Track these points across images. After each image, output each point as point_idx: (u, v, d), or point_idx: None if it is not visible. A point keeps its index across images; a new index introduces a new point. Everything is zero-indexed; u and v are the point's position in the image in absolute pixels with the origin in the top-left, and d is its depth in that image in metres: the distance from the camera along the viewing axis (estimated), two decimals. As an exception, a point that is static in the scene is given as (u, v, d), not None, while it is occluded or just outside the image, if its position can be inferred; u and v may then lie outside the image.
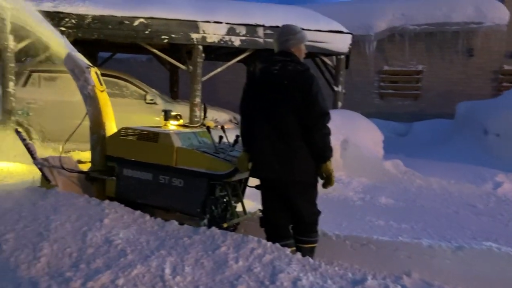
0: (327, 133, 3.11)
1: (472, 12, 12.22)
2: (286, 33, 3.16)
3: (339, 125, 7.12)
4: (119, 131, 3.88)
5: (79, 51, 4.27)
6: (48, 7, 6.85)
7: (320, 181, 3.21)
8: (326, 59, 8.83)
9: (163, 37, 7.39)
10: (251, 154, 3.17)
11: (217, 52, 9.39)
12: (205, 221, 3.43)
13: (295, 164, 3.06)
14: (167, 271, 2.62)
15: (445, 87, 12.91)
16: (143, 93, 7.96)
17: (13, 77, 6.95)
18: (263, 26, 7.78)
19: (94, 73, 3.96)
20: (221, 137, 3.59)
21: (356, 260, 3.53)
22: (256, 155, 3.14)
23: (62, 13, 6.92)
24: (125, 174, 3.78)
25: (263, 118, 3.08)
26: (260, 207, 4.06)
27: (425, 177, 6.74)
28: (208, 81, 8.02)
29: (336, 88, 8.65)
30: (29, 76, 7.60)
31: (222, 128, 3.71)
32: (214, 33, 7.57)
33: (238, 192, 3.84)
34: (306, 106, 2.99)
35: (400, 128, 11.75)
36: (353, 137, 7.02)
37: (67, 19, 6.95)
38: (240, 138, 3.42)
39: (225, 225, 3.41)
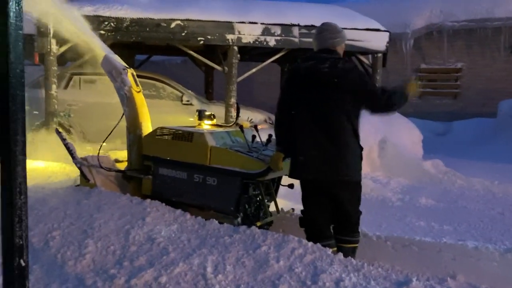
0: (395, 103, 3.10)
1: (516, 7, 11.79)
2: (331, 30, 3.14)
3: (377, 125, 7.01)
4: (154, 130, 3.95)
5: (116, 54, 4.37)
6: (88, 11, 7.04)
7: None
8: (362, 58, 8.71)
9: (199, 38, 7.46)
10: (294, 155, 3.13)
11: (252, 53, 9.41)
12: (239, 219, 3.45)
13: (343, 164, 3.04)
14: (209, 269, 2.63)
15: (486, 85, 12.49)
16: (180, 94, 8.07)
17: (55, 80, 7.17)
18: (298, 25, 7.74)
19: (130, 74, 4.03)
20: (254, 137, 3.60)
21: (397, 261, 3.44)
22: (301, 156, 3.09)
23: (101, 16, 7.09)
24: (161, 172, 3.84)
25: (309, 117, 3.04)
26: (293, 206, 4.07)
27: (467, 178, 6.55)
28: (242, 82, 8.05)
29: (373, 87, 8.49)
30: (70, 79, 7.84)
31: (255, 127, 3.71)
32: (249, 34, 7.58)
33: (271, 191, 3.85)
34: (368, 99, 3.03)
35: (438, 128, 11.46)
36: (392, 137, 6.90)
37: (106, 23, 7.12)
38: (273, 138, 3.42)
39: (258, 223, 3.41)
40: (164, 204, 3.46)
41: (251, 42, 7.65)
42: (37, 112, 7.23)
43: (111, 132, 4.07)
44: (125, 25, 7.20)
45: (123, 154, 4.36)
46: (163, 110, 7.45)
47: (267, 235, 2.97)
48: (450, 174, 6.70)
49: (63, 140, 4.08)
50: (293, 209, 4.00)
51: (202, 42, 7.54)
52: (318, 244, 2.90)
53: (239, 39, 7.57)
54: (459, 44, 12.68)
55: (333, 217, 3.23)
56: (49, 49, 7.01)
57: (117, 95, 4.18)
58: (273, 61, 8.53)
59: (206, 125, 4.10)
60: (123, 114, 4.07)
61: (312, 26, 7.61)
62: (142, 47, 9.85)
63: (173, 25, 7.32)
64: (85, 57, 6.83)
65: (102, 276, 2.67)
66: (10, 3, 1.47)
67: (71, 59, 7.84)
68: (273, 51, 8.30)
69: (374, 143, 6.93)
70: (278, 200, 3.98)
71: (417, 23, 12.31)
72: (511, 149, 8.54)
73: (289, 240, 2.90)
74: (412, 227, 4.60)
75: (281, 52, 8.08)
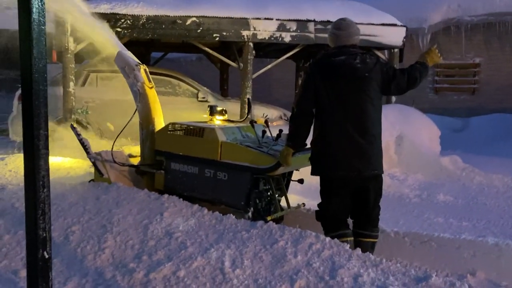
0: (417, 77, 3.22)
1: (537, 0, 11.55)
2: (355, 27, 3.21)
3: (393, 121, 6.95)
4: (166, 126, 3.99)
5: (133, 52, 4.40)
6: (105, 9, 7.10)
7: None
8: (379, 53, 8.62)
9: (214, 35, 7.47)
10: (323, 151, 3.10)
11: (266, 49, 9.40)
12: (249, 214, 3.47)
13: (373, 158, 3.09)
14: (227, 264, 2.65)
15: (505, 81, 12.27)
16: (195, 91, 8.09)
17: (73, 78, 7.25)
18: (313, 21, 7.70)
19: (143, 70, 4.06)
20: (264, 132, 3.61)
21: (416, 257, 3.43)
22: (331, 152, 3.07)
23: (118, 14, 7.14)
24: (173, 167, 3.89)
25: (342, 112, 3.04)
26: (303, 201, 4.10)
27: (486, 174, 6.45)
28: (257, 79, 8.04)
29: (389, 83, 8.42)
30: (87, 76, 7.92)
31: (266, 122, 3.72)
32: (264, 30, 7.56)
33: (282, 186, 3.86)
34: (397, 83, 3.16)
35: (456, 124, 11.30)
36: (409, 133, 6.83)
37: (122, 20, 7.17)
38: (283, 133, 3.42)
39: (269, 218, 3.43)
40: (181, 199, 3.48)
41: (267, 38, 7.63)
42: (55, 109, 7.32)
43: (124, 127, 4.12)
44: (141, 22, 7.24)
45: (136, 149, 4.41)
46: (179, 107, 7.49)
47: (284, 230, 2.97)
48: (468, 170, 6.61)
49: (78, 135, 4.15)
50: (303, 204, 4.01)
51: (217, 38, 7.54)
52: (336, 240, 2.90)
53: (254, 35, 7.57)
54: (478, 39, 12.47)
55: (355, 211, 3.24)
56: (66, 47, 7.10)
57: None
58: (288, 58, 8.50)
59: (218, 120, 4.12)
60: (136, 110, 4.11)
61: (328, 22, 7.55)
62: (157, 45, 9.90)
63: (188, 22, 7.34)
64: (101, 54, 6.89)
65: (121, 270, 2.70)
66: (33, 0, 1.49)
67: (88, 57, 7.92)
68: (288, 47, 8.28)
69: (391, 139, 6.86)
70: (288, 195, 3.98)
71: (434, 18, 12.13)
72: (531, 145, 8.40)
73: (307, 235, 2.90)
74: (430, 223, 4.55)
75: (296, 48, 8.05)
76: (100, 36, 5.12)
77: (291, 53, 8.18)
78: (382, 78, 3.11)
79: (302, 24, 7.67)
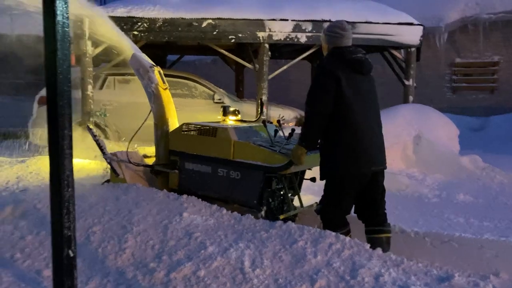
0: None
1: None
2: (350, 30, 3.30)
3: (411, 120, 6.89)
4: (180, 126, 4.03)
5: (149, 55, 4.45)
6: (122, 12, 7.19)
7: None
8: (395, 52, 8.56)
9: (230, 37, 7.50)
10: (348, 148, 3.10)
11: (282, 50, 9.40)
12: (262, 212, 3.48)
13: (384, 152, 3.23)
14: (247, 263, 2.65)
15: (525, 79, 12.08)
16: (211, 93, 8.13)
17: (91, 81, 7.35)
18: (329, 21, 7.66)
19: (157, 72, 4.11)
20: (276, 131, 3.62)
21: (437, 257, 3.38)
22: (358, 148, 3.08)
23: (134, 17, 7.22)
24: (187, 167, 3.93)
25: (365, 108, 3.12)
26: (316, 200, 4.07)
27: (507, 173, 6.35)
28: (273, 80, 8.04)
29: (406, 82, 8.35)
30: (105, 80, 8.01)
31: (278, 122, 3.73)
32: (280, 31, 7.57)
33: (294, 185, 3.87)
34: None
35: (474, 123, 11.15)
36: (427, 132, 6.75)
37: (139, 23, 7.25)
38: (296, 132, 3.42)
39: (281, 217, 3.45)
40: (200, 199, 3.50)
41: (282, 39, 7.63)
42: (74, 112, 7.42)
43: (138, 129, 4.17)
44: (157, 25, 7.31)
45: (151, 150, 4.46)
46: (195, 109, 7.54)
47: (303, 230, 2.96)
48: (488, 169, 6.51)
49: (94, 136, 4.21)
50: (316, 203, 4.00)
51: (233, 40, 7.57)
52: (356, 239, 2.88)
53: (270, 36, 7.57)
54: (496, 37, 12.28)
55: (364, 208, 3.28)
56: (85, 51, 7.19)
57: None
58: (303, 58, 8.48)
59: (231, 120, 4.16)
60: (150, 111, 4.15)
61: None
62: (173, 47, 9.98)
63: (204, 24, 7.38)
64: (118, 58, 6.97)
65: (142, 270, 2.72)
66: (57, 2, 1.52)
67: (105, 60, 8.01)
68: (303, 48, 8.26)
69: (409, 139, 6.81)
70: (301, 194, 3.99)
71: (451, 16, 11.99)
72: (553, 144, 8.23)
73: (326, 235, 2.89)
74: (450, 223, 4.49)
75: (312, 48, 8.03)
76: (116, 39, 5.18)
77: (306, 53, 8.17)
78: None
79: (318, 24, 7.66)
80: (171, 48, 10.04)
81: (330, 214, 3.25)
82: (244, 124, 4.03)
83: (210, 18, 7.39)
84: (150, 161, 4.39)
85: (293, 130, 3.51)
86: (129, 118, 7.45)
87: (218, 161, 3.70)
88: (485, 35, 12.21)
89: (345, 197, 3.19)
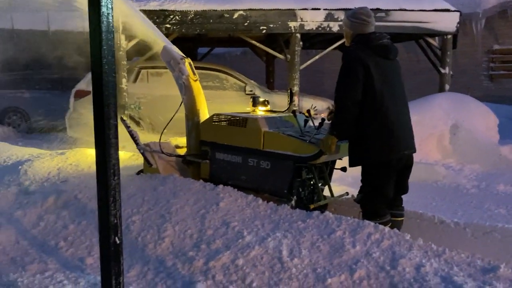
0: None
1: None
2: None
3: (447, 109, 6.72)
4: (211, 117, 4.06)
5: (180, 48, 4.48)
6: (154, 6, 7.26)
7: None
8: (431, 40, 8.34)
9: (261, 27, 7.48)
10: (383, 134, 3.08)
11: (313, 40, 9.30)
12: (292, 202, 3.48)
13: (413, 137, 3.28)
14: (284, 253, 2.65)
15: None
16: (243, 84, 8.14)
17: (125, 74, 7.47)
18: (362, 9, 7.53)
19: (187, 63, 4.14)
20: (306, 121, 3.60)
21: (478, 249, 3.29)
22: (389, 133, 3.08)
23: (167, 10, 7.28)
24: (217, 157, 3.97)
25: (396, 93, 3.16)
26: (347, 189, 4.13)
27: (550, 163, 6.12)
28: (304, 70, 7.98)
29: (442, 70, 8.13)
30: (138, 73, 8.13)
31: (308, 112, 3.71)
32: (312, 20, 7.49)
33: (325, 175, 3.85)
34: None
35: (513, 112, 10.76)
36: (464, 122, 6.57)
37: (171, 16, 7.31)
38: (326, 122, 3.39)
39: (311, 206, 3.46)
40: (236, 190, 3.52)
41: (314, 28, 7.55)
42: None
43: (170, 119, 4.23)
44: (189, 18, 7.35)
45: (182, 140, 4.52)
46: (227, 101, 7.56)
47: (341, 220, 2.94)
48: (529, 159, 6.30)
49: (127, 127, 4.28)
50: (347, 193, 3.97)
51: (264, 31, 7.54)
52: (396, 230, 2.84)
53: (301, 26, 7.50)
54: (536, 22, 11.81)
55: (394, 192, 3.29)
56: (119, 44, 7.31)
57: None
58: (335, 48, 8.37)
59: (260, 111, 4.16)
60: (181, 102, 4.20)
61: (378, 10, 7.38)
62: (204, 40, 10.03)
63: (235, 15, 7.38)
64: (151, 51, 7.05)
65: (181, 258, 2.77)
66: (102, -7, 1.54)
67: (138, 54, 8.12)
68: (335, 37, 8.16)
69: (445, 128, 6.64)
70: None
71: (489, 1, 11.58)
72: None
73: (365, 225, 2.86)
74: (491, 214, 4.37)
75: (344, 38, 7.90)
76: (148, 32, 5.24)
77: (339, 43, 8.06)
78: None
79: (350, 13, 7.52)
80: (201, 41, 10.10)
81: (371, 203, 3.22)
82: (274, 114, 4.03)
83: (241, 9, 7.37)
84: (182, 151, 4.45)
85: (323, 119, 3.49)
86: (162, 110, 7.55)
87: (248, 151, 3.73)
88: (525, 21, 11.76)
89: (385, 183, 3.17)
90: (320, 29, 7.56)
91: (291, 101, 4.40)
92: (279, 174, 3.57)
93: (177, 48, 4.37)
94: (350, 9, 7.65)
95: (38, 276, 2.64)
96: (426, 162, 6.04)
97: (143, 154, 4.21)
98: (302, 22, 7.49)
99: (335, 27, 7.57)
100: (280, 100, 7.72)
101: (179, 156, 4.30)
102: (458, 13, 7.83)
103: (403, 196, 3.43)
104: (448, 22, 7.78)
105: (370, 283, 2.39)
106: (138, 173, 4.30)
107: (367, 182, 3.23)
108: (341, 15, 7.52)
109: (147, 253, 2.90)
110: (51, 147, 7.61)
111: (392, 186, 3.20)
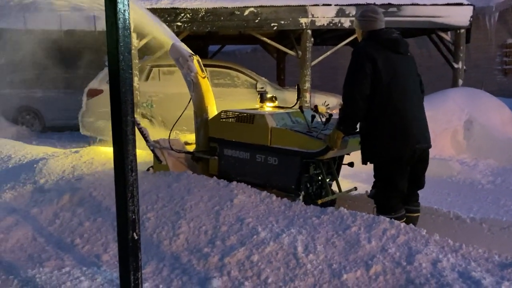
0: None
1: None
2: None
3: (461, 104, 6.66)
4: (219, 114, 4.08)
5: (191, 46, 4.49)
6: (165, 4, 7.28)
7: None
8: (443, 34, 8.26)
9: (272, 24, 7.46)
10: (396, 128, 3.06)
11: (324, 36, 9.25)
12: (300, 197, 3.48)
13: (428, 131, 3.24)
14: (299, 249, 2.65)
15: None
16: (254, 81, 8.14)
17: (137, 73, 7.49)
18: (374, 4, 7.48)
19: (196, 61, 4.15)
20: (313, 117, 3.60)
21: (495, 244, 3.26)
22: (399, 128, 3.06)
23: (178, 8, 7.30)
24: (226, 153, 3.99)
25: (408, 87, 3.13)
26: (355, 185, 4.13)
27: None
28: (315, 66, 7.94)
29: (455, 65, 8.04)
30: (150, 71, 8.16)
31: (315, 107, 3.70)
32: (323, 16, 7.46)
33: (332, 170, 3.86)
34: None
35: (528, 107, 10.62)
36: (479, 117, 6.50)
37: (182, 14, 7.32)
38: (333, 117, 3.38)
39: (319, 201, 3.47)
40: (250, 186, 3.52)
41: (325, 24, 7.52)
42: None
43: (179, 117, 4.26)
44: (200, 15, 7.36)
45: (191, 137, 4.54)
46: (238, 98, 7.55)
47: (356, 216, 2.93)
48: (546, 154, 6.20)
49: (137, 124, 4.31)
50: (355, 188, 3.96)
51: (275, 27, 7.52)
52: (411, 225, 2.82)
53: (312, 22, 7.48)
54: (551, 15, 11.63)
55: (408, 187, 3.24)
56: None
57: None
58: (346, 44, 8.33)
59: (268, 107, 4.17)
60: (190, 99, 4.22)
61: (390, 5, 7.33)
62: (215, 38, 10.03)
63: (246, 12, 7.37)
64: (161, 49, 7.06)
65: (196, 255, 2.78)
66: (118, -10, 1.54)
67: (148, 53, 8.15)
68: (346, 33, 8.11)
69: (459, 124, 6.57)
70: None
71: (502, -5, 11.45)
72: None
73: (380, 221, 2.84)
74: (508, 210, 4.32)
75: (355, 34, 7.85)
76: (158, 31, 5.25)
77: (350, 38, 8.01)
78: None
79: (362, 8, 7.46)
80: (212, 38, 10.10)
81: (384, 197, 3.20)
82: (281, 111, 4.04)
83: (252, 6, 7.36)
84: (191, 148, 4.48)
85: (330, 115, 3.51)
86: (174, 108, 7.55)
87: (256, 147, 3.75)
88: (539, 14, 11.59)
89: (398, 178, 3.15)
90: (331, 25, 7.52)
91: (298, 97, 4.39)
92: (287, 170, 3.59)
93: (185, 46, 4.39)
94: (361, 5, 7.66)
95: (55, 273, 2.67)
96: (440, 158, 5.99)
97: (153, 150, 4.24)
98: (313, 18, 7.46)
99: (346, 22, 7.52)
100: (291, 97, 7.69)
101: (188, 152, 4.33)
102: (471, 7, 7.73)
103: (418, 192, 3.39)
104: (461, 16, 7.69)
105: (386, 279, 2.38)
106: (148, 169, 4.35)
107: (379, 177, 3.22)
108: (353, 11, 7.48)
109: (162, 249, 2.91)
110: (65, 145, 7.69)
111: (405, 181, 3.18)
